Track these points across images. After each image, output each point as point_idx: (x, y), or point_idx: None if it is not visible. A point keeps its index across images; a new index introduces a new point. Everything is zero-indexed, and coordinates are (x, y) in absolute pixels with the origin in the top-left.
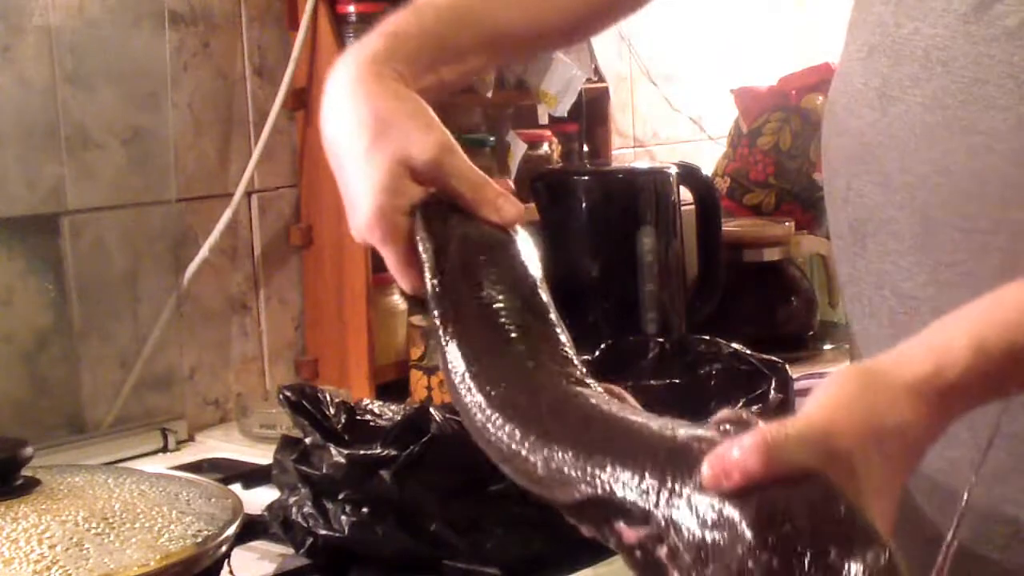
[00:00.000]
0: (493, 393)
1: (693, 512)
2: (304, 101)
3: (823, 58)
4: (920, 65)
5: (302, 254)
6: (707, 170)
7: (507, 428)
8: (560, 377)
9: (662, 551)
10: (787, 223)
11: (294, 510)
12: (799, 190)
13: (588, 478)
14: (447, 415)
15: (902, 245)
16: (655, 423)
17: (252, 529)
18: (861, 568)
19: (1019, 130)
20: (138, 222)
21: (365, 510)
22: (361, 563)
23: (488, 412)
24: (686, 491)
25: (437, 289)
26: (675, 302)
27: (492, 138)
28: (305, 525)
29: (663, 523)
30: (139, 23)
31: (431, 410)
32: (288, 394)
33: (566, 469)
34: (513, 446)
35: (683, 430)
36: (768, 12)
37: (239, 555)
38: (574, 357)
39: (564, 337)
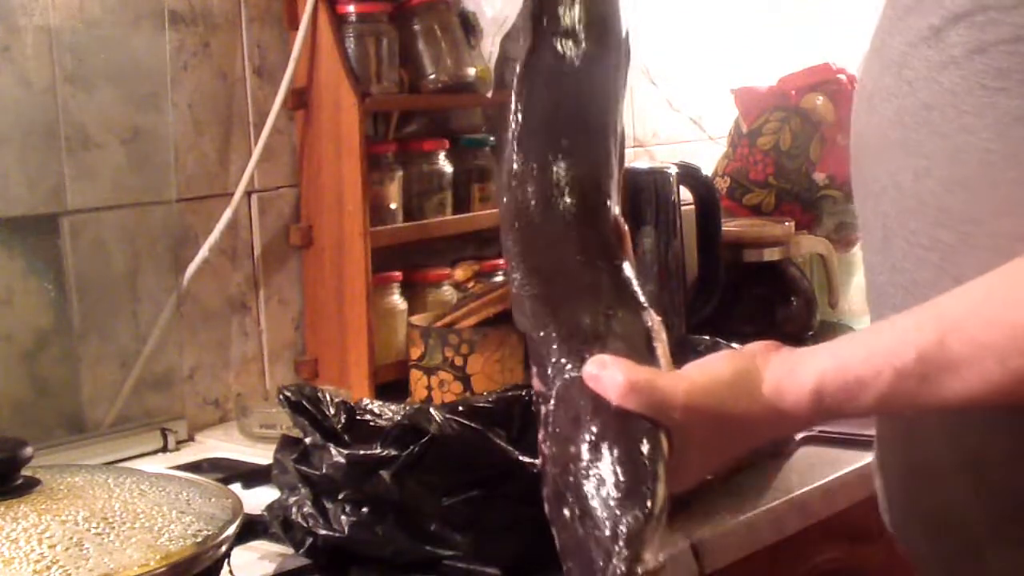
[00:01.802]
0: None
1: (565, 403)
2: (304, 101)
3: (823, 58)
4: (894, 79)
5: (302, 254)
6: (707, 170)
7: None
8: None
9: (543, 408)
10: (787, 223)
11: (294, 510)
12: (799, 190)
13: (536, 322)
14: (447, 415)
15: (873, 243)
16: (606, 306)
17: (252, 529)
18: (623, 528)
19: (954, 158)
20: (138, 222)
21: (365, 510)
22: (361, 563)
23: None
24: (572, 378)
25: None
26: (675, 302)
27: (492, 138)
28: (305, 525)
29: (553, 392)
30: (139, 23)
31: (431, 410)
32: (288, 394)
33: (528, 305)
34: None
35: (617, 323)
36: (768, 12)
37: (239, 555)
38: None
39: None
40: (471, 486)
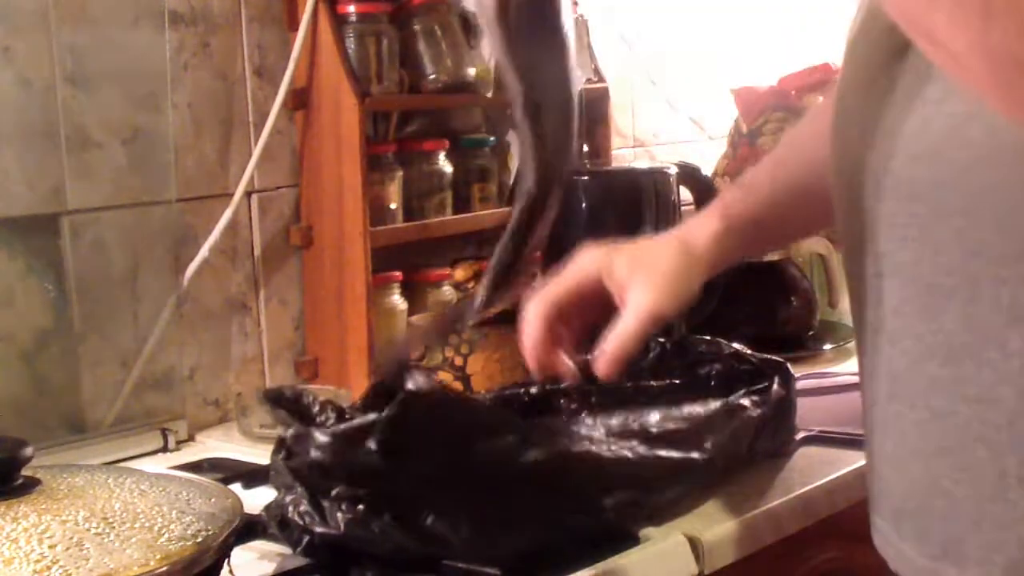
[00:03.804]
0: None
1: None
2: (304, 101)
3: (823, 58)
4: (863, 74)
5: (302, 254)
6: (707, 170)
7: None
8: None
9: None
10: None
11: (290, 509)
12: None
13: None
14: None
15: (853, 241)
16: None
17: (252, 529)
18: None
19: (922, 131)
20: (138, 222)
21: (360, 507)
22: (360, 562)
23: None
24: None
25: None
26: None
27: (492, 138)
28: (301, 523)
29: None
30: (139, 23)
31: (401, 372)
32: (270, 395)
33: None
34: None
35: None
36: (768, 12)
37: (239, 555)
38: None
39: None
40: (454, 444)
